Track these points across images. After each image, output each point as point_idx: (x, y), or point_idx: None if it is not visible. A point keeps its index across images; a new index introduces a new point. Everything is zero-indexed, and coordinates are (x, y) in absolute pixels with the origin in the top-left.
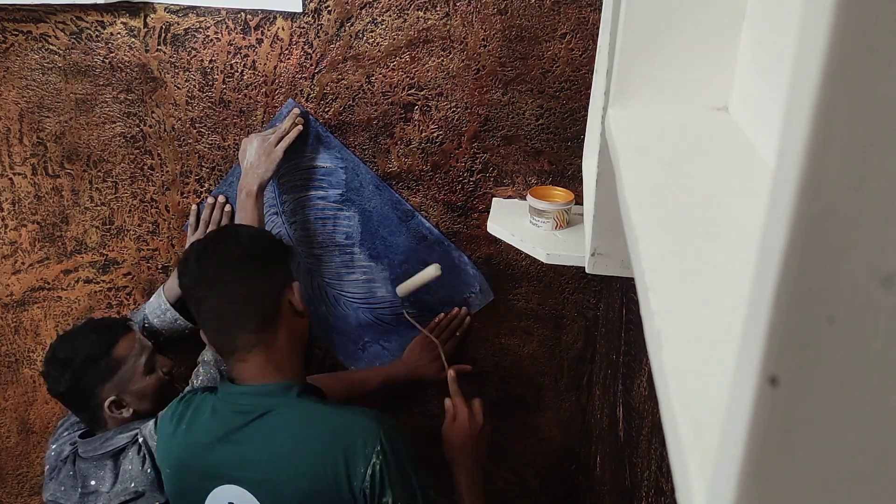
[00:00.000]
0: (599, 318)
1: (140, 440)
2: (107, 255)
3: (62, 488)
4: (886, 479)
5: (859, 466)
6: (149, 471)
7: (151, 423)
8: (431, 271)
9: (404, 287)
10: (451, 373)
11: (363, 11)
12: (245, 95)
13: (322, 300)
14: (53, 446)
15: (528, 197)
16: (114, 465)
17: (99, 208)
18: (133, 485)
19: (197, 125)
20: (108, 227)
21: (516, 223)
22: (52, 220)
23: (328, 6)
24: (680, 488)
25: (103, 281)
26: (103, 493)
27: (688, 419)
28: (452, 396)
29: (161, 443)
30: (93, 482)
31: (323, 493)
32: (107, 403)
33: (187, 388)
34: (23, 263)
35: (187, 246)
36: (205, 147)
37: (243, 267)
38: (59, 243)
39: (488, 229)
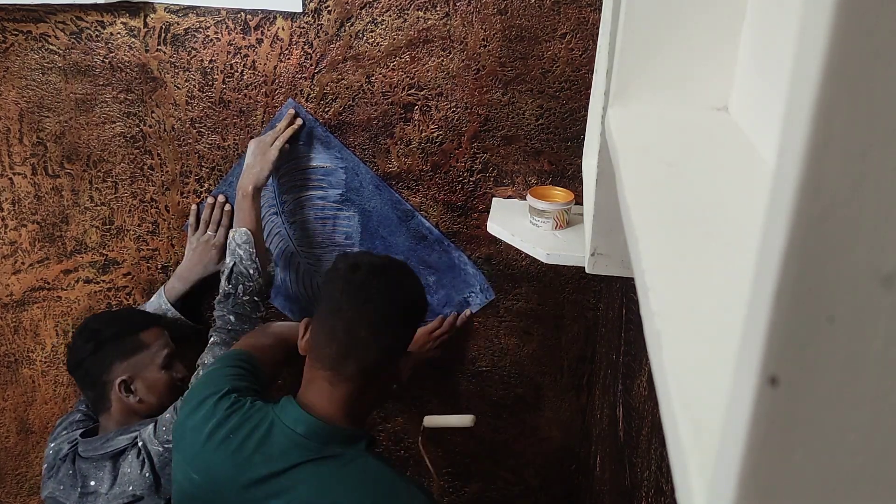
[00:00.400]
0: (599, 318)
1: (140, 444)
2: (107, 255)
3: (61, 486)
4: (886, 479)
5: (859, 466)
6: (147, 475)
7: (151, 426)
8: (466, 421)
9: (432, 420)
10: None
11: (363, 11)
12: (245, 95)
13: None
14: (52, 445)
15: (528, 197)
16: (113, 468)
17: (99, 208)
18: (131, 488)
19: (197, 125)
20: (108, 227)
21: (516, 223)
22: (52, 220)
23: (328, 6)
24: (680, 488)
25: (103, 281)
26: (102, 495)
27: (688, 419)
28: None
29: (189, 444)
30: (92, 483)
31: None
32: (117, 381)
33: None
34: (23, 263)
35: (352, 255)
36: (205, 147)
37: (401, 316)
38: (59, 243)
39: (488, 229)
